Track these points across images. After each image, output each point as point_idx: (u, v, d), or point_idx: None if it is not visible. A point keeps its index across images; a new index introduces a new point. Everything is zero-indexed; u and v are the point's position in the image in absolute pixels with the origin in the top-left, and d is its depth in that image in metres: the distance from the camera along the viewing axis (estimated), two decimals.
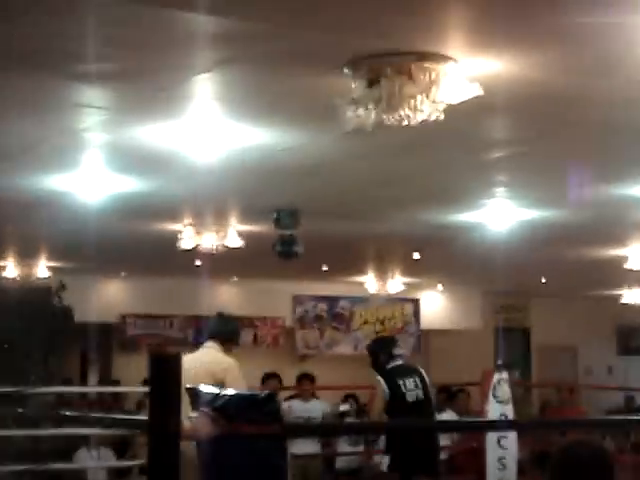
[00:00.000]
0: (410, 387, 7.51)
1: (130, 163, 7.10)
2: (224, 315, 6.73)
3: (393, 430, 5.08)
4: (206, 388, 3.69)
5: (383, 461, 7.53)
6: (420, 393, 7.54)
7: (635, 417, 9.75)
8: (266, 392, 3.73)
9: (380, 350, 7.77)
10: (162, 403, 3.26)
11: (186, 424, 3.37)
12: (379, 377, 7.57)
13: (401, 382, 7.49)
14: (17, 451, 8.71)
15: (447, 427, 5.53)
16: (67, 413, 4.94)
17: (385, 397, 7.45)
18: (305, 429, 4.33)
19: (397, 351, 7.74)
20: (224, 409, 3.46)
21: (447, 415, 11.67)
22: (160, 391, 3.26)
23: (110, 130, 6.21)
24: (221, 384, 5.52)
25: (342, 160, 6.96)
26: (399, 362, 7.70)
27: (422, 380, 7.64)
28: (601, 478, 2.93)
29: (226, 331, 6.50)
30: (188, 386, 3.69)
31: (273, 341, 14.70)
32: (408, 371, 7.68)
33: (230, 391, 3.62)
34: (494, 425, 5.73)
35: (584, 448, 3.00)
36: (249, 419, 3.49)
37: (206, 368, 5.99)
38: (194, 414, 3.49)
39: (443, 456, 11.38)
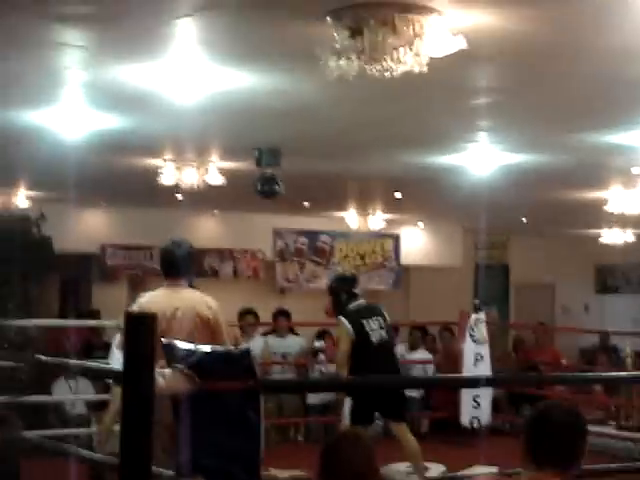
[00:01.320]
0: (374, 327, 7.41)
1: (111, 101, 7.03)
2: (183, 245, 5.75)
3: (368, 385, 5.12)
4: (181, 344, 3.72)
5: (346, 402, 7.42)
6: (383, 333, 7.44)
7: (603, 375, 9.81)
8: (241, 348, 3.77)
9: (342, 288, 7.60)
10: (137, 360, 3.28)
11: (160, 381, 3.40)
12: (342, 317, 7.43)
13: (365, 322, 7.39)
14: None
15: (420, 383, 5.59)
16: (43, 357, 4.93)
17: (350, 339, 7.31)
18: (280, 385, 4.37)
19: (356, 290, 7.57)
20: (199, 365, 3.50)
21: (420, 354, 11.82)
22: (135, 349, 3.28)
23: (91, 69, 6.12)
24: (208, 328, 5.17)
25: (325, 104, 6.92)
26: (361, 301, 7.57)
27: (385, 320, 7.54)
28: (574, 439, 3.00)
29: (191, 264, 5.68)
30: (163, 341, 3.72)
31: (253, 274, 14.74)
32: (371, 311, 7.54)
33: (205, 347, 3.65)
34: (467, 382, 5.77)
35: (558, 410, 3.07)
36: (224, 375, 3.53)
37: (194, 312, 5.33)
38: (168, 370, 3.52)
39: (418, 394, 11.56)
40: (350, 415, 7.22)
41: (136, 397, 3.25)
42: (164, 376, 3.43)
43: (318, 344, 11.72)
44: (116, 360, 6.51)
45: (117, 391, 5.37)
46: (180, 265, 5.51)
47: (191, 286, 5.61)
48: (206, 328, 5.16)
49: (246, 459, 3.55)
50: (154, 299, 5.42)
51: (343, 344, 7.38)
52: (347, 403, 7.36)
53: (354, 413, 7.22)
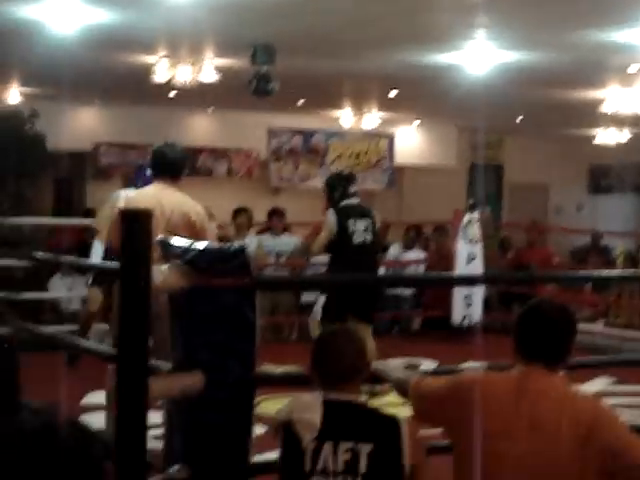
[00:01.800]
0: (359, 229, 7.39)
1: None
2: (176, 147, 5.67)
3: (362, 283, 5.15)
4: (177, 240, 3.73)
5: (319, 299, 7.45)
6: (368, 237, 7.42)
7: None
8: (236, 245, 3.78)
9: (336, 185, 7.56)
10: (133, 257, 3.32)
11: (157, 277, 3.44)
12: (331, 211, 7.41)
13: (351, 222, 7.36)
14: None
15: (414, 282, 5.62)
16: (40, 254, 4.97)
17: (332, 232, 7.31)
18: (275, 282, 4.40)
19: (352, 189, 7.52)
20: (195, 262, 3.52)
21: (414, 254, 11.90)
22: (131, 246, 3.32)
23: None
24: (193, 232, 5.11)
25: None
26: (354, 201, 7.52)
27: (373, 224, 7.50)
28: (564, 335, 3.06)
29: (182, 167, 5.58)
30: (159, 238, 3.74)
31: (247, 173, 14.71)
32: (361, 212, 7.51)
33: (201, 244, 3.66)
34: (456, 280, 5.82)
35: (549, 306, 3.12)
36: (219, 272, 3.56)
37: (182, 212, 5.31)
38: (165, 266, 3.54)
39: (410, 292, 11.67)
40: (322, 311, 7.26)
41: (133, 292, 3.30)
42: (160, 272, 3.46)
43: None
44: (95, 254, 6.52)
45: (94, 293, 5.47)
46: (172, 167, 5.48)
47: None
48: (191, 232, 5.12)
49: (242, 354, 3.59)
50: (143, 195, 5.42)
51: (323, 233, 7.39)
52: (320, 300, 7.39)
53: (326, 310, 7.26)
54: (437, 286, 10.07)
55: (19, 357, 2.78)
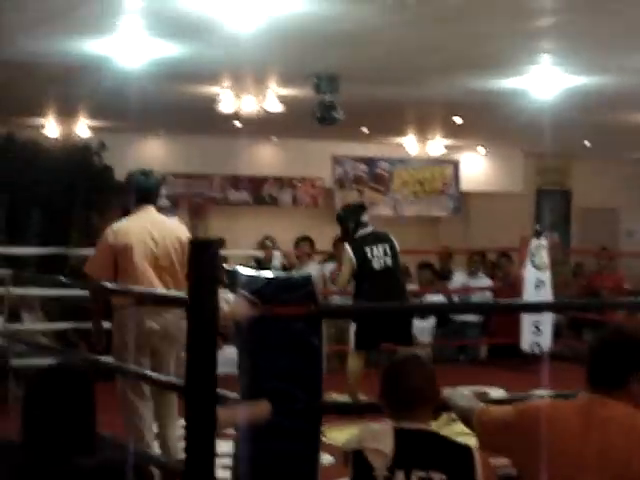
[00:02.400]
0: (378, 254, 7.41)
1: (170, 29, 7.03)
2: (150, 173, 5.76)
3: (443, 309, 5.11)
4: (244, 270, 3.75)
5: (350, 327, 7.52)
6: (389, 260, 7.43)
7: None
8: (302, 275, 3.79)
9: (348, 218, 7.64)
10: (201, 286, 3.34)
11: (224, 306, 3.45)
12: (347, 244, 7.50)
13: (368, 249, 7.39)
14: (63, 310, 8.94)
15: (482, 309, 5.56)
16: (109, 285, 5.02)
17: (352, 264, 7.38)
18: (340, 310, 4.39)
19: (364, 218, 7.58)
20: (262, 291, 3.53)
21: (479, 281, 11.77)
22: (199, 275, 3.34)
23: None
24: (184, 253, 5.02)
25: (383, 28, 6.82)
26: (368, 230, 7.57)
27: (392, 247, 7.50)
28: (627, 357, 2.98)
29: (159, 193, 5.77)
30: (227, 268, 3.76)
31: (312, 201, 14.76)
32: (377, 238, 7.53)
33: (267, 273, 3.68)
34: (520, 307, 5.75)
35: (620, 332, 3.04)
36: (286, 301, 3.56)
37: (173, 235, 5.44)
38: (232, 296, 3.56)
39: (476, 318, 11.54)
40: (355, 339, 7.32)
41: (201, 322, 3.31)
42: (228, 301, 3.48)
43: None
44: None
45: None
46: (150, 194, 5.57)
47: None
48: (183, 253, 5.21)
49: (308, 383, 3.59)
50: (134, 223, 5.47)
51: (344, 268, 7.49)
52: (352, 328, 7.45)
53: (358, 337, 7.32)
54: (503, 313, 9.94)
55: (94, 386, 2.80)
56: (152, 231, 5.38)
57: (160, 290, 5.13)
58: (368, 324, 7.28)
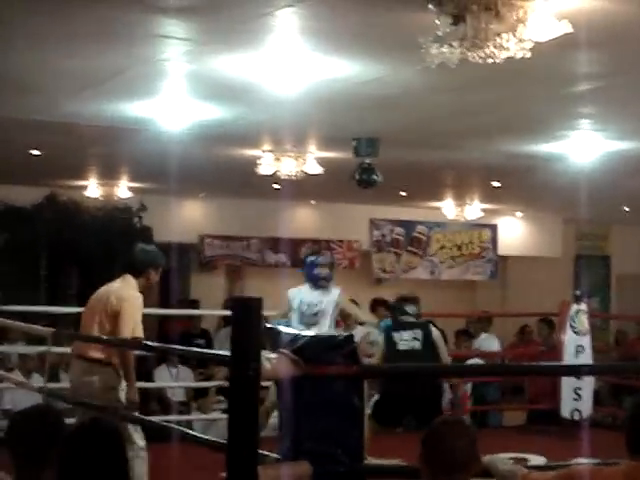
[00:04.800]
0: (405, 338, 7.56)
1: (211, 92, 7.13)
2: (142, 247, 6.55)
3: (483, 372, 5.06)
4: (286, 329, 3.76)
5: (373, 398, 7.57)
6: (417, 344, 7.56)
7: None
8: (344, 334, 3.79)
9: (394, 308, 7.97)
10: (244, 345, 3.34)
11: (266, 365, 3.45)
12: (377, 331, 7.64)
13: (396, 334, 7.56)
14: None
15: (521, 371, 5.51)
16: (148, 343, 5.05)
17: (380, 348, 7.48)
18: (381, 371, 4.38)
19: (410, 309, 7.75)
20: (303, 350, 3.53)
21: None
22: (242, 333, 3.34)
23: (192, 60, 6.22)
24: (111, 311, 5.90)
25: (424, 92, 6.88)
26: (408, 319, 7.73)
27: (426, 334, 7.62)
28: None
29: (142, 263, 6.30)
30: (268, 326, 3.77)
31: (349, 264, 14.76)
32: (410, 325, 7.68)
33: (310, 332, 3.68)
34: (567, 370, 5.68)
35: None
36: (327, 360, 3.56)
37: (109, 297, 6.02)
38: (273, 355, 3.56)
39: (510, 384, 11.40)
40: (372, 409, 7.31)
41: (243, 381, 3.31)
42: (270, 360, 3.48)
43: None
44: None
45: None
46: (132, 264, 6.25)
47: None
48: (111, 314, 5.95)
49: (350, 444, 3.57)
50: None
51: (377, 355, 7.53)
52: (374, 398, 7.53)
53: (378, 407, 7.37)
54: (541, 375, 9.80)
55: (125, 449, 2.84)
56: (103, 293, 6.10)
57: None
58: (392, 398, 7.35)
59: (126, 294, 6.04)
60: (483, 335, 11.72)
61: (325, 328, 7.34)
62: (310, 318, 7.47)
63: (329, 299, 7.59)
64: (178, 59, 6.18)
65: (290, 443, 3.56)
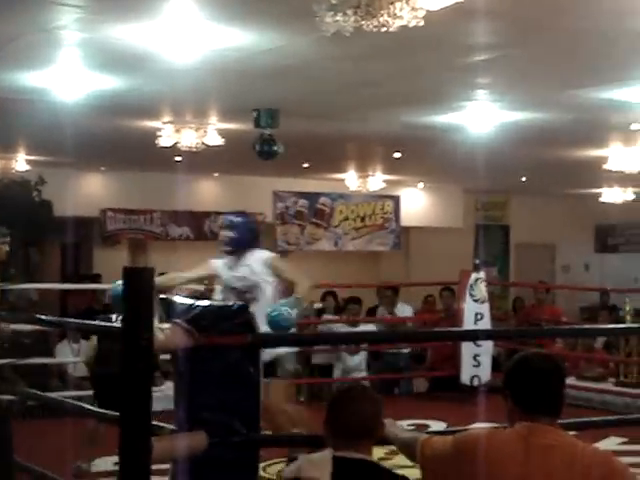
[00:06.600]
0: None
1: (107, 62, 7.00)
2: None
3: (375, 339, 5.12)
4: (179, 299, 3.73)
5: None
6: None
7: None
8: (239, 303, 3.77)
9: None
10: (135, 315, 3.30)
11: (160, 336, 3.42)
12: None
13: None
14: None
15: (416, 337, 5.58)
16: (44, 317, 4.97)
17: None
18: (277, 339, 4.39)
19: None
20: (197, 320, 3.51)
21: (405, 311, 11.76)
22: (134, 303, 3.30)
23: (86, 28, 6.09)
24: None
25: (321, 62, 6.88)
26: None
27: None
28: (560, 383, 3.00)
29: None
30: (162, 297, 3.74)
31: None
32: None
33: (203, 302, 3.66)
34: (464, 335, 5.79)
35: (538, 358, 3.05)
36: (222, 330, 3.54)
37: None
38: (167, 325, 3.53)
39: (407, 349, 11.53)
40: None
41: (135, 351, 3.27)
42: (164, 331, 3.45)
43: (317, 305, 11.74)
44: None
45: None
46: None
47: None
48: None
49: (246, 413, 3.56)
50: None
51: None
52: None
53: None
54: (441, 341, 9.95)
55: (12, 426, 2.79)
56: None
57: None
58: None
59: None
60: (399, 305, 11.81)
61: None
62: (240, 296, 6.00)
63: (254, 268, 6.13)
64: (72, 27, 6.04)
65: (185, 414, 3.54)
